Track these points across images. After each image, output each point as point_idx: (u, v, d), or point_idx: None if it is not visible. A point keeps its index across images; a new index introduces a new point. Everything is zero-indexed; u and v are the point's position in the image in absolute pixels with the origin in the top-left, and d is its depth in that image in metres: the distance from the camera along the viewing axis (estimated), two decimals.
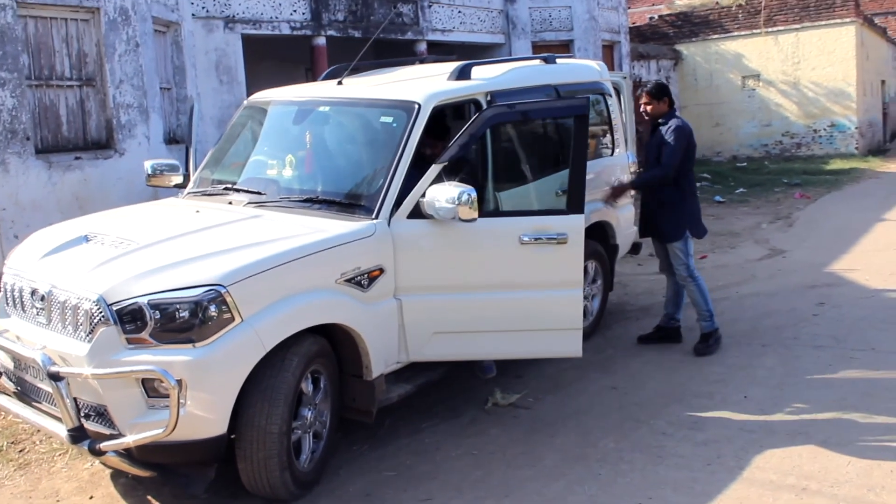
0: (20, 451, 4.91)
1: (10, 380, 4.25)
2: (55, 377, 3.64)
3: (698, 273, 6.27)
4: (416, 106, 4.71)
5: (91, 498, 4.29)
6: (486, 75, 5.40)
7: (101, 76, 7.66)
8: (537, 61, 6.27)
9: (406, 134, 4.62)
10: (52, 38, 7.39)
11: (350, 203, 4.56)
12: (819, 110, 21.20)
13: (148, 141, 8.00)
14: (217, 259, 3.83)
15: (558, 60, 6.36)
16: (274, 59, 12.85)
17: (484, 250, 4.63)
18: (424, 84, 5.17)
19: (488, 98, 5.15)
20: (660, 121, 6.14)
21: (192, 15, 9.95)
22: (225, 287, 3.65)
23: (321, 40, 11.68)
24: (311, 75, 12.31)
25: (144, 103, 7.96)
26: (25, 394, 4.14)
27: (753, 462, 4.38)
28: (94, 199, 7.40)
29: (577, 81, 6.42)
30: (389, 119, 4.82)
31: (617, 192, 6.47)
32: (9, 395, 4.22)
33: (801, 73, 21.16)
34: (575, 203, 4.62)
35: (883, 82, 26.28)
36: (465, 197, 4.22)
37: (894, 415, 4.90)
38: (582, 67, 6.90)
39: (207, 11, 10.31)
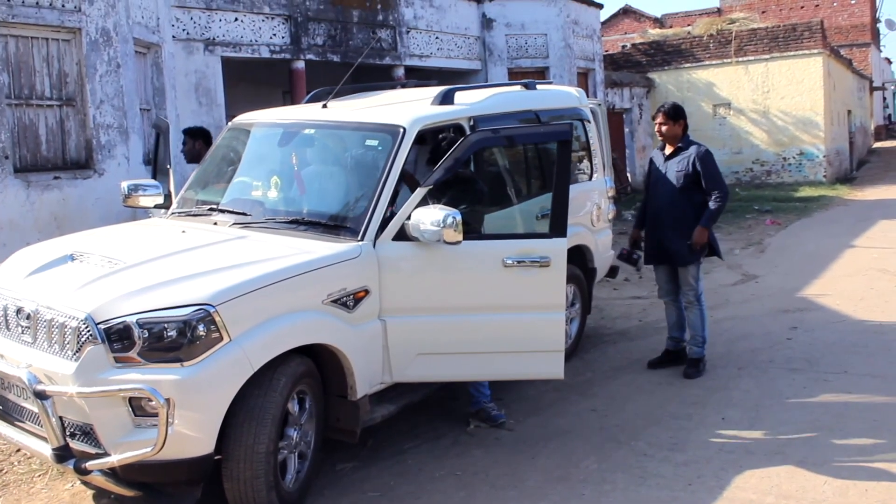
0: None
1: None
2: (41, 395, 3.63)
3: (704, 299, 6.38)
4: (402, 130, 4.77)
5: None
6: (469, 100, 5.48)
7: (82, 96, 7.67)
8: (518, 87, 6.36)
9: (391, 157, 4.67)
10: (33, 57, 7.39)
11: (336, 225, 4.59)
12: (788, 139, 21.61)
13: (127, 161, 8.00)
14: (205, 279, 3.85)
15: (538, 86, 6.46)
16: (251, 81, 12.93)
17: (468, 272, 4.66)
18: (409, 108, 5.24)
19: (471, 123, 5.23)
20: (679, 145, 6.17)
21: (173, 37, 9.99)
22: (214, 307, 3.67)
23: (300, 64, 11.77)
24: (289, 98, 12.39)
25: (124, 124, 7.97)
26: (7, 413, 4.10)
27: (733, 482, 4.45)
28: (73, 219, 7.38)
29: (557, 107, 6.54)
30: (375, 142, 4.88)
31: (700, 239, 6.06)
32: None
33: (770, 101, 21.58)
34: (558, 226, 4.68)
35: (849, 112, 26.90)
36: (450, 220, 4.26)
37: (867, 436, 5.01)
38: (561, 94, 7.02)
39: (188, 34, 10.36)
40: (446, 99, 5.27)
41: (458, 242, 4.33)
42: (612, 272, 7.53)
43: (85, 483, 4.48)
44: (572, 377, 6.09)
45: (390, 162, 4.65)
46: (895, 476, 4.47)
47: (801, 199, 18.45)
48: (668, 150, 6.25)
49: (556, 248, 4.66)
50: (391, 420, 4.89)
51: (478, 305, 4.68)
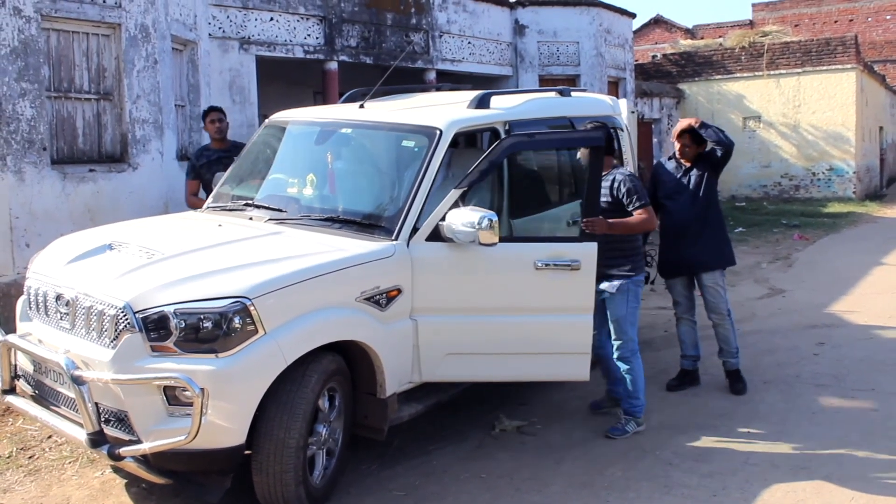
0: (30, 457, 4.93)
1: (29, 383, 4.29)
2: (78, 381, 3.70)
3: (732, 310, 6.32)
4: (438, 132, 4.80)
5: None
6: (505, 105, 5.50)
7: (119, 91, 7.76)
8: (553, 93, 6.38)
9: (427, 158, 4.70)
10: (73, 51, 7.50)
11: (370, 224, 4.63)
12: (818, 153, 21.45)
13: (161, 157, 8.08)
14: (242, 272, 3.90)
15: (573, 94, 6.47)
16: (284, 81, 12.99)
17: (500, 274, 4.69)
18: (446, 111, 5.26)
19: (506, 127, 5.25)
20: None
21: (209, 35, 10.09)
22: (250, 300, 3.72)
23: (333, 65, 11.84)
24: (320, 99, 12.46)
25: (159, 119, 8.05)
26: (43, 397, 4.18)
27: (758, 495, 4.43)
28: (106, 211, 7.47)
29: (591, 115, 6.50)
30: (411, 143, 4.92)
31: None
32: (26, 399, 4.25)
33: (801, 116, 21.43)
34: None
35: (881, 128, 26.62)
36: (486, 222, 4.29)
37: (894, 453, 4.96)
38: (595, 101, 7.03)
39: (224, 32, 10.46)
40: (482, 103, 5.29)
41: (493, 244, 4.36)
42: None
43: (115, 470, 4.56)
44: (597, 385, 6.08)
45: (426, 163, 4.68)
46: None
47: (829, 215, 18.30)
48: (687, 163, 6.08)
49: (587, 252, 4.70)
50: (416, 421, 4.92)
51: (508, 307, 4.71)
